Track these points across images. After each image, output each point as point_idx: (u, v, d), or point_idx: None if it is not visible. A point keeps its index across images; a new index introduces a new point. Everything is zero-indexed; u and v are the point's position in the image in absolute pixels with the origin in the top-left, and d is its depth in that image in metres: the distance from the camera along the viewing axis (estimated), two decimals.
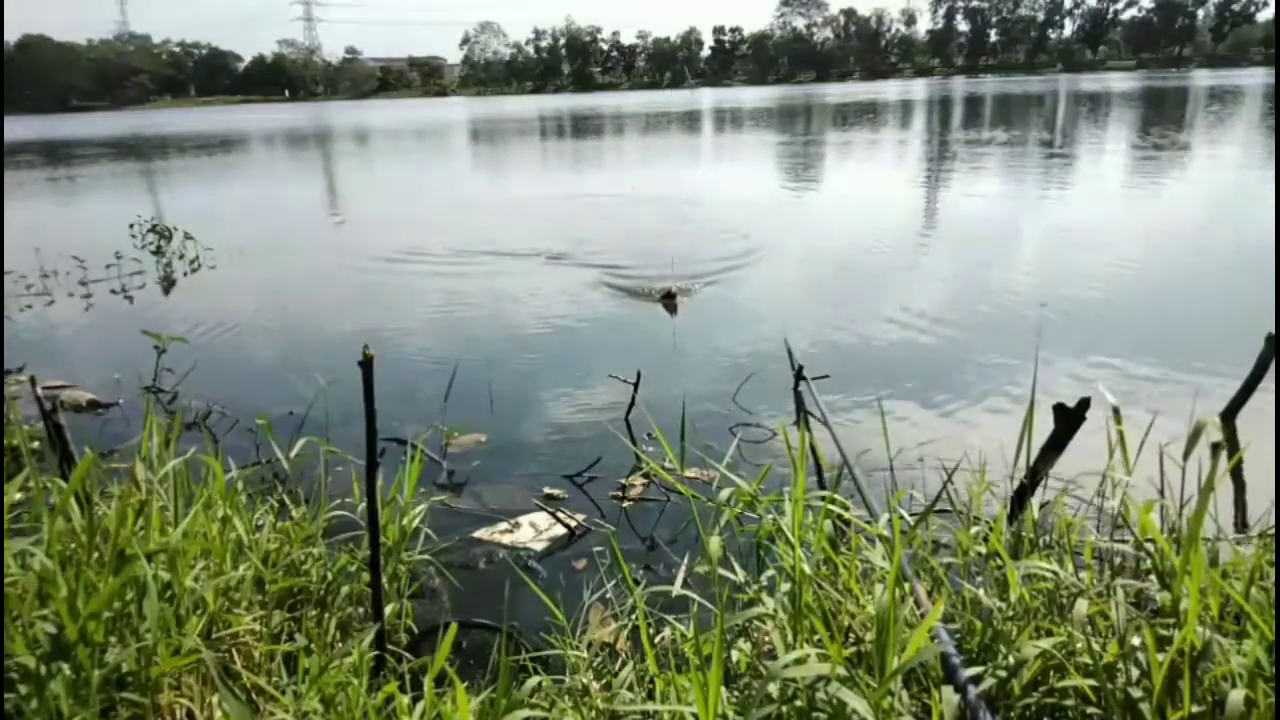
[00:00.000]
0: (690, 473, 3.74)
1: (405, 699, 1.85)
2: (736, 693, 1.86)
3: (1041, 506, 2.35)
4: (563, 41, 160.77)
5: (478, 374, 5.36)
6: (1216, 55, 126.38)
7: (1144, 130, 23.27)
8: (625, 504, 3.65)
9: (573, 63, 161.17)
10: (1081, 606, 1.75)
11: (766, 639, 2.11)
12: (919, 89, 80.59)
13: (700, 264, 8.30)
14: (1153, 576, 1.95)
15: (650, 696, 1.93)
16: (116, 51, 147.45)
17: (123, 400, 5.04)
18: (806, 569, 1.95)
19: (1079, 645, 1.70)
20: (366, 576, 2.39)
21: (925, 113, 38.63)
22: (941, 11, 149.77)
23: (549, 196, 15.17)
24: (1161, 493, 2.31)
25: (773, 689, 1.64)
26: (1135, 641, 1.65)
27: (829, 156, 20.69)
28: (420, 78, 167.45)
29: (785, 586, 2.02)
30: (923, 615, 1.85)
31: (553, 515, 3.48)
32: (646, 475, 3.82)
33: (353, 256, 9.84)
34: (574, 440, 4.34)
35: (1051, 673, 1.71)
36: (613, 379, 4.74)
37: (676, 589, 2.16)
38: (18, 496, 2.88)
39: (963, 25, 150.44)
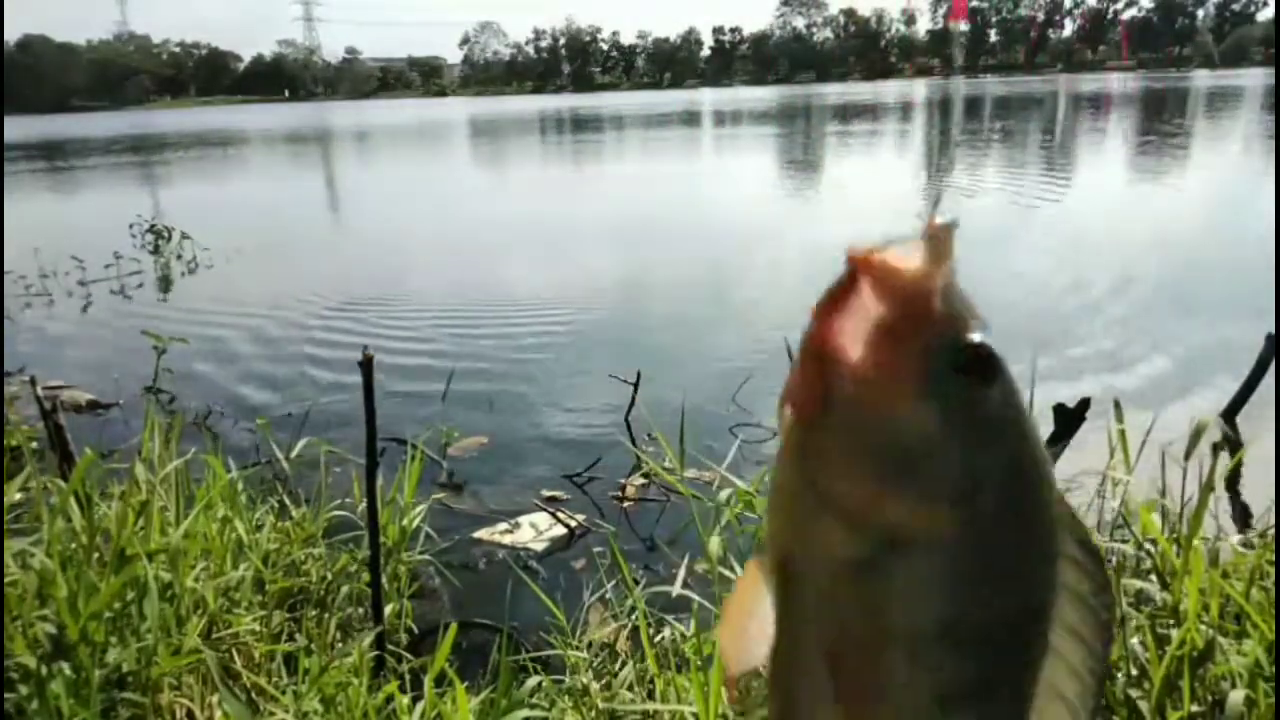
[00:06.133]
0: (690, 473, 3.74)
1: (405, 699, 1.85)
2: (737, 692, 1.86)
3: None
4: (562, 41, 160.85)
5: (479, 375, 5.36)
6: (1216, 55, 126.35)
7: None
8: (625, 504, 3.65)
9: (572, 63, 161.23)
10: None
11: None
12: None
13: None
14: (1153, 576, 1.95)
15: (650, 696, 1.93)
16: (116, 51, 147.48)
17: (123, 400, 5.04)
18: None
19: None
20: (366, 576, 2.39)
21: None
22: (941, 11, 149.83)
23: None
24: (1162, 492, 2.31)
25: None
26: (1135, 641, 1.65)
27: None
28: (420, 78, 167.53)
29: None
30: None
31: (553, 515, 3.48)
32: (646, 475, 3.82)
33: (352, 256, 9.84)
34: (574, 440, 4.34)
35: None
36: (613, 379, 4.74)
37: (676, 589, 2.15)
38: (18, 496, 2.88)
39: (962, 25, 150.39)
